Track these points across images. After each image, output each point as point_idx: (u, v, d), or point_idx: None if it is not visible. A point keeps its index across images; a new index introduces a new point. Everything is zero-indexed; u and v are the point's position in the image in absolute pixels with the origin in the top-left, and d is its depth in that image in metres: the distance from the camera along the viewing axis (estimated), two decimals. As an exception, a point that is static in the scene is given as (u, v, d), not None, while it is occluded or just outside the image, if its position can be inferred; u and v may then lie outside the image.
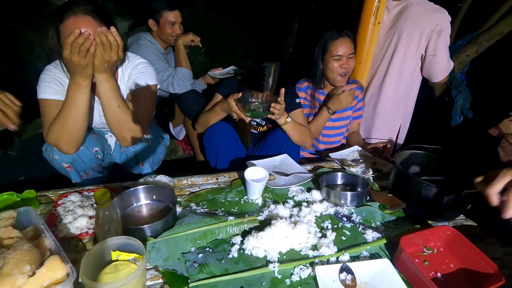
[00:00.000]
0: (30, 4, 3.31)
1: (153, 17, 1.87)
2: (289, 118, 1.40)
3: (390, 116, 1.81)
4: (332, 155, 1.50)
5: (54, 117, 1.10)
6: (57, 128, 1.10)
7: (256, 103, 1.34)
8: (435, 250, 0.91)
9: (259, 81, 1.41)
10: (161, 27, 1.88)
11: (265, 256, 0.84)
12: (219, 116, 1.44)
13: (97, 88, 1.11)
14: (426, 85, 1.94)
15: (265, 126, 1.65)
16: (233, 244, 0.87)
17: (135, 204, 1.00)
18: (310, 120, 1.69)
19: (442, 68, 1.67)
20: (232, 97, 1.32)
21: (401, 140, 1.90)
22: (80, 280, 0.66)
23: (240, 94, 1.33)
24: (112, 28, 1.02)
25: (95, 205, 0.98)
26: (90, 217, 0.93)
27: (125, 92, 1.29)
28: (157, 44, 1.93)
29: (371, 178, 1.32)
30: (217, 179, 1.25)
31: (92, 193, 1.06)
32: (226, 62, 2.40)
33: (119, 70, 1.27)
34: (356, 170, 1.36)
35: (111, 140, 1.40)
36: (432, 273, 0.84)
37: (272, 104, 1.30)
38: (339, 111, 1.68)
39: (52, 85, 1.15)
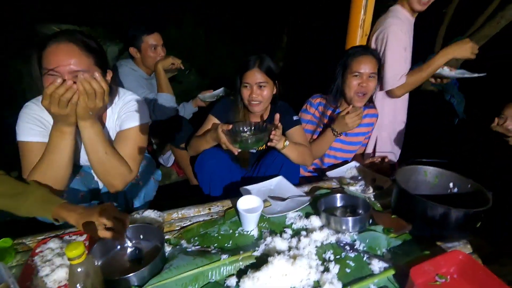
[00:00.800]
0: (19, 34, 3.30)
1: (133, 44, 1.80)
2: (287, 141, 1.33)
3: (383, 130, 1.74)
4: (329, 173, 1.44)
5: (36, 162, 1.02)
6: (38, 175, 1.00)
7: (246, 135, 1.27)
8: (448, 277, 0.83)
9: None
10: (143, 53, 1.81)
11: (264, 300, 0.76)
12: (209, 144, 1.38)
13: (81, 135, 1.03)
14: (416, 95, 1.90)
15: (264, 145, 1.58)
16: (227, 287, 0.79)
17: (119, 247, 0.92)
18: (314, 138, 1.62)
19: (388, 76, 1.56)
20: (221, 127, 1.26)
21: (397, 151, 1.84)
22: None
23: (231, 126, 1.27)
24: (96, 74, 0.95)
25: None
26: (70, 267, 0.84)
27: (114, 131, 1.21)
28: (140, 70, 1.86)
29: (372, 196, 1.25)
30: (209, 209, 1.18)
31: (74, 237, 0.98)
32: (217, 80, 2.35)
33: (108, 108, 1.21)
34: (356, 188, 1.30)
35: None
36: (448, 306, 0.76)
37: (273, 132, 1.25)
38: (352, 134, 1.62)
39: (32, 125, 1.06)
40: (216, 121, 1.48)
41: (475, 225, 0.96)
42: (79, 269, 0.64)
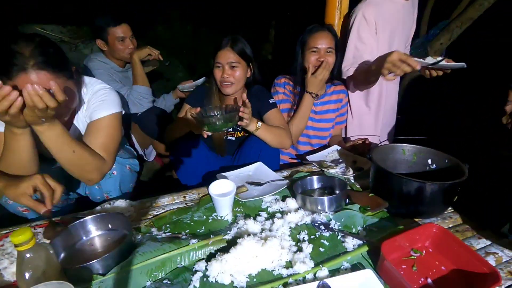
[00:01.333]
0: (2, 34, 3.21)
1: (100, 36, 1.72)
2: (259, 123, 1.31)
3: (366, 114, 1.71)
4: (310, 157, 1.42)
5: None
6: (3, 168, 0.96)
7: (214, 116, 1.23)
8: (423, 251, 0.81)
9: None
10: (111, 45, 1.73)
11: (232, 282, 0.73)
12: (183, 131, 1.34)
13: (40, 139, 0.95)
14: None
15: (242, 132, 1.55)
16: (195, 271, 0.76)
17: (84, 237, 0.89)
18: (292, 115, 1.60)
19: (342, 66, 1.57)
20: (190, 111, 1.22)
21: (386, 137, 1.82)
22: None
23: (199, 108, 1.23)
24: (52, 83, 0.84)
25: (42, 239, 0.87)
26: (31, 259, 0.81)
27: (85, 123, 1.16)
28: (111, 63, 1.79)
29: (352, 178, 1.23)
30: (184, 197, 1.14)
31: (40, 229, 0.94)
32: (207, 75, 2.29)
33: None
34: (336, 171, 1.27)
35: None
36: (422, 279, 0.74)
37: (241, 109, 1.21)
38: (322, 111, 1.61)
39: None
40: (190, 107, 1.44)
41: (452, 199, 0.94)
42: (27, 255, 0.60)
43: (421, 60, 1.25)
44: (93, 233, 0.90)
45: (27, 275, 0.60)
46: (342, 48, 1.55)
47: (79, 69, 1.07)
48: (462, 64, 1.21)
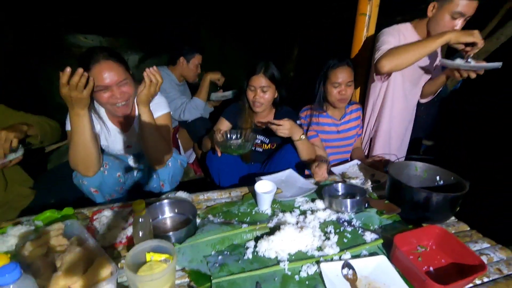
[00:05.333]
0: (49, 42, 3.66)
1: (185, 55, 2.18)
2: (303, 135, 1.55)
3: (393, 136, 1.87)
4: (334, 169, 1.64)
5: None
6: (71, 155, 1.26)
7: (231, 141, 1.55)
8: (428, 248, 1.02)
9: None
10: (190, 65, 2.21)
11: (276, 257, 0.96)
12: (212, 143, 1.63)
13: (140, 119, 1.29)
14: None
15: (269, 144, 1.80)
16: (247, 248, 1.00)
17: (160, 216, 1.14)
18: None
19: (373, 58, 1.61)
20: (217, 131, 1.54)
21: (403, 153, 1.99)
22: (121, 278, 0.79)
23: (223, 131, 1.57)
24: (155, 67, 1.23)
25: (127, 218, 1.12)
26: (123, 229, 1.06)
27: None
28: (173, 76, 2.19)
29: (370, 188, 1.44)
30: (230, 193, 1.39)
31: (122, 209, 1.20)
32: (231, 87, 2.61)
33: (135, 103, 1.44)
34: (356, 182, 1.49)
35: (133, 163, 1.57)
36: (425, 267, 0.94)
37: (276, 127, 1.48)
38: (344, 130, 1.84)
39: None
40: (226, 121, 1.75)
41: (454, 209, 1.13)
42: (141, 219, 0.86)
43: (456, 62, 1.37)
44: (166, 214, 1.15)
45: (140, 233, 0.86)
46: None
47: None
48: (497, 64, 1.28)
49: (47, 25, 3.85)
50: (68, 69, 1.08)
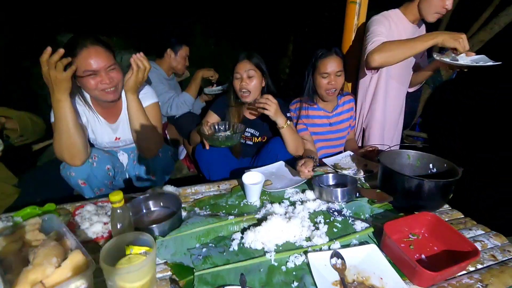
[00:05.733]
0: (42, 43, 3.62)
1: (172, 47, 2.13)
2: (288, 121, 1.51)
3: (386, 127, 1.85)
4: (326, 160, 1.60)
5: None
6: (56, 144, 1.24)
7: (218, 133, 1.53)
8: (420, 235, 0.98)
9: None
10: (178, 57, 2.16)
11: (263, 248, 0.93)
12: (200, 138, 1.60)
13: (128, 106, 1.29)
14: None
15: (259, 137, 1.76)
16: (233, 239, 0.96)
17: (144, 210, 1.11)
18: None
19: (365, 49, 1.57)
20: (204, 125, 1.51)
21: (396, 142, 1.97)
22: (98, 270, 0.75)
23: (210, 122, 1.54)
24: (142, 53, 1.22)
25: (109, 213, 1.09)
26: (105, 223, 1.03)
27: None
28: (161, 70, 2.13)
29: (362, 178, 1.41)
30: (218, 186, 1.35)
31: (104, 204, 1.17)
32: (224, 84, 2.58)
33: (123, 94, 1.41)
34: (348, 172, 1.45)
35: (123, 157, 1.54)
36: (417, 255, 0.91)
37: (264, 96, 1.45)
38: (336, 122, 1.80)
39: None
40: (214, 115, 1.70)
41: (447, 196, 1.10)
42: (118, 211, 0.82)
43: (454, 61, 1.37)
44: (151, 207, 1.12)
45: (118, 226, 0.82)
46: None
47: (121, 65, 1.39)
48: (496, 62, 1.31)
49: (39, 25, 3.81)
50: (49, 48, 1.07)
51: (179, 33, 2.21)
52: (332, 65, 1.61)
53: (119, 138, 1.49)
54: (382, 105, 1.77)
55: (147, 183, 1.50)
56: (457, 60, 1.38)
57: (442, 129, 2.56)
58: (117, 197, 0.81)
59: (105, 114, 1.42)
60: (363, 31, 1.81)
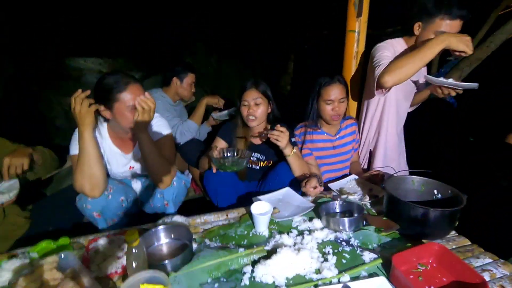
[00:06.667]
0: (49, 67, 3.75)
1: (178, 76, 2.22)
2: (295, 149, 1.56)
3: (389, 148, 1.86)
4: (331, 185, 1.63)
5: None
6: (78, 176, 1.30)
7: (226, 158, 1.57)
8: (428, 266, 1.00)
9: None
10: (184, 85, 2.24)
11: (274, 282, 0.94)
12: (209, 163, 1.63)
13: (140, 145, 1.35)
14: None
15: (265, 161, 1.80)
16: (244, 273, 0.98)
17: (156, 243, 1.13)
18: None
19: (374, 74, 1.60)
20: (213, 150, 1.56)
21: (403, 165, 1.98)
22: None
23: (219, 147, 1.60)
24: (147, 94, 1.30)
25: (122, 246, 1.11)
26: (118, 258, 1.05)
27: None
28: (167, 97, 2.21)
29: (368, 204, 1.43)
30: (227, 215, 1.38)
31: (118, 237, 1.19)
32: (227, 103, 2.64)
33: None
34: (354, 197, 1.47)
35: (137, 185, 1.60)
36: (426, 287, 0.92)
37: (277, 128, 1.51)
38: (340, 145, 1.83)
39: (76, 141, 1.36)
40: (222, 141, 1.75)
41: (453, 224, 1.12)
42: (134, 250, 0.85)
43: (439, 79, 1.45)
44: (162, 240, 1.14)
45: (134, 264, 0.84)
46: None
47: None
48: (475, 84, 1.39)
49: (46, 50, 3.94)
50: (79, 90, 1.22)
51: (184, 63, 2.30)
52: (335, 93, 1.66)
53: (133, 167, 1.55)
54: (386, 128, 1.81)
55: (160, 210, 1.54)
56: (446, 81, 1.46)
57: (439, 145, 2.56)
58: (133, 237, 0.84)
59: (120, 145, 1.50)
60: (364, 58, 1.88)
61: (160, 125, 1.51)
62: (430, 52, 1.38)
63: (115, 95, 1.29)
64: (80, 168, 1.29)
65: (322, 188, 1.51)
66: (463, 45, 1.35)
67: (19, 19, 3.91)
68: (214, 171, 1.55)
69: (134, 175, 1.62)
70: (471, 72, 3.09)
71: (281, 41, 5.35)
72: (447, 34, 1.39)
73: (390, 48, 1.66)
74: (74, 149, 1.36)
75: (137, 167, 1.56)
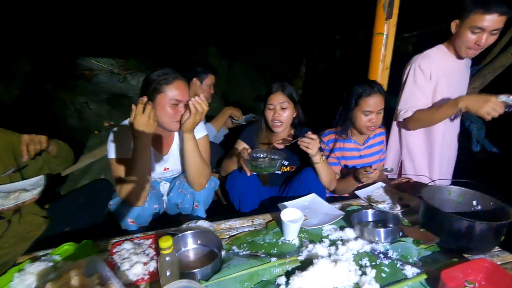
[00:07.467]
0: (62, 67, 3.77)
1: (198, 76, 2.18)
2: (323, 157, 1.51)
3: (417, 154, 1.80)
4: (358, 192, 1.56)
5: (124, 175, 1.29)
6: (126, 185, 1.26)
7: (261, 160, 1.49)
8: (477, 284, 0.93)
9: None
10: (204, 86, 2.21)
11: (311, 296, 0.88)
12: (236, 165, 1.58)
13: (185, 145, 1.33)
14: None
15: (288, 167, 1.74)
16: (278, 285, 0.92)
17: (183, 249, 1.08)
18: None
19: (398, 108, 1.69)
20: (243, 151, 1.49)
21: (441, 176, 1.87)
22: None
23: (250, 150, 1.52)
24: (202, 96, 1.28)
25: (147, 251, 1.07)
26: (144, 264, 1.00)
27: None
28: None
29: (400, 213, 1.36)
30: (252, 221, 1.32)
31: (142, 241, 1.14)
32: (237, 105, 2.60)
33: None
34: (384, 206, 1.41)
35: (164, 187, 1.56)
36: (477, 307, 0.85)
37: (308, 136, 1.44)
38: (366, 155, 1.75)
39: (118, 144, 1.35)
40: (244, 144, 1.69)
41: (499, 238, 1.05)
42: (167, 258, 0.80)
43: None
44: (189, 246, 1.09)
45: (167, 273, 0.79)
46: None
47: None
48: None
49: (60, 50, 3.97)
50: (145, 99, 1.21)
51: (206, 64, 2.27)
52: (375, 103, 1.56)
53: (167, 169, 1.52)
54: (439, 137, 1.73)
55: (187, 211, 1.51)
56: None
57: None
58: (167, 243, 0.79)
59: (157, 146, 1.46)
60: (390, 61, 1.82)
61: (198, 126, 1.44)
62: (450, 110, 1.50)
63: (160, 86, 1.29)
64: (132, 178, 1.25)
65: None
66: (479, 109, 1.36)
67: (36, 20, 3.95)
68: (248, 173, 1.47)
69: (167, 177, 1.58)
70: (494, 79, 3.01)
71: (292, 45, 5.33)
72: (467, 96, 1.47)
73: (427, 70, 1.59)
74: (112, 153, 1.34)
75: (172, 168, 1.53)
